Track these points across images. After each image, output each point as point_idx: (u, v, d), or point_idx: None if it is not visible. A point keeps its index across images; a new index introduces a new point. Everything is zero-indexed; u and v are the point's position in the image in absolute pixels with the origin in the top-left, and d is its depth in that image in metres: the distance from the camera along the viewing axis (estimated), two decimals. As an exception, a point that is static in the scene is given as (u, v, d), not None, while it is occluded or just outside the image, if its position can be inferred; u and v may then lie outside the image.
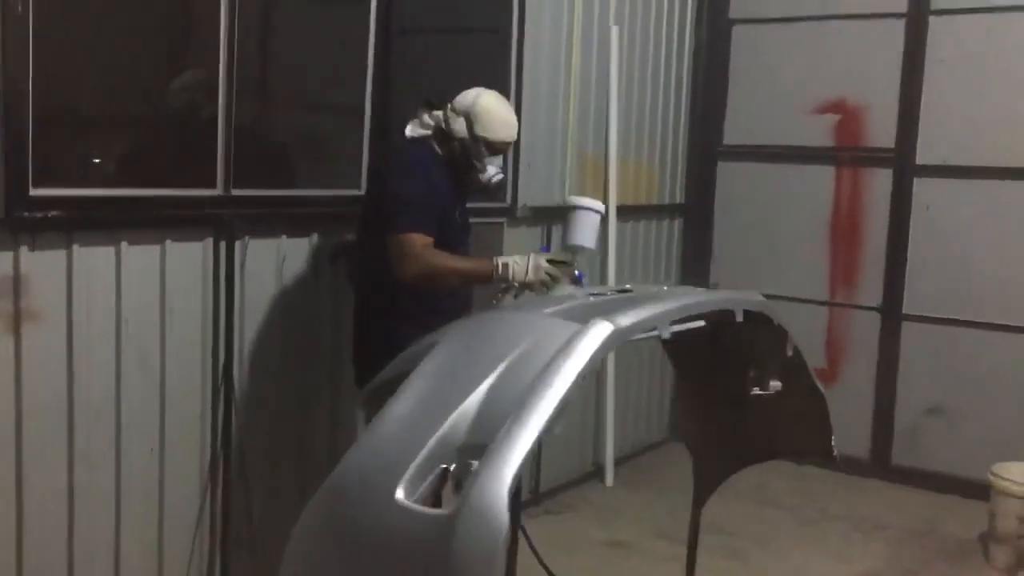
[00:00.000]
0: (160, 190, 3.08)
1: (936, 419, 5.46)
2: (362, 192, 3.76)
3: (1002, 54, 5.22)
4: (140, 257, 3.00)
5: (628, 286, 2.85)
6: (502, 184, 3.43)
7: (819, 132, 5.77)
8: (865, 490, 5.35)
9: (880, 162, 5.60)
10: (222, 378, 3.24)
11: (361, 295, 3.39)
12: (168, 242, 3.07)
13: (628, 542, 4.48)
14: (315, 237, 3.58)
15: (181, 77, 3.25)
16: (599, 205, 3.35)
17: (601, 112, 5.21)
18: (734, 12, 6.02)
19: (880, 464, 5.57)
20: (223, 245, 3.21)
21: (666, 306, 2.36)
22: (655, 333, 2.29)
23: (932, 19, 5.39)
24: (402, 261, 3.08)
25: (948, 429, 5.41)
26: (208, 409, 3.27)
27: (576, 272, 3.25)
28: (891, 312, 5.59)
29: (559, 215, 4.97)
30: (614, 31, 5.20)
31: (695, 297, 2.56)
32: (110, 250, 2.92)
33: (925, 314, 5.49)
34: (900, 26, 5.48)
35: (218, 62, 3.16)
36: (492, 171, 3.32)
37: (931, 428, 5.47)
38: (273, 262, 3.43)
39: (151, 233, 3.03)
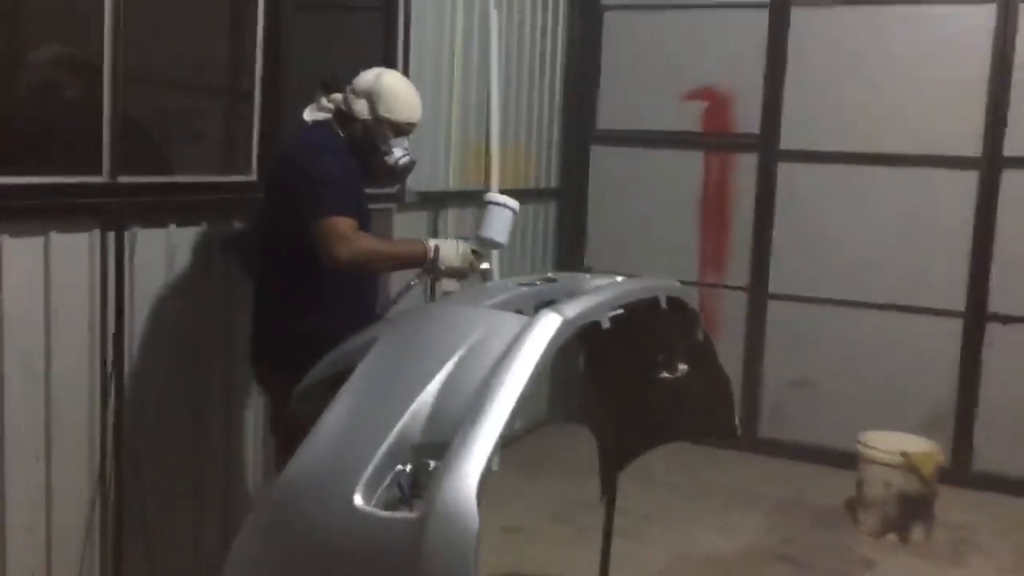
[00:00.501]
0: (41, 178, 2.83)
1: (800, 392, 5.74)
2: (253, 177, 3.61)
3: (860, 45, 5.50)
4: (22, 251, 2.76)
5: (551, 275, 2.83)
6: (410, 167, 3.26)
7: (689, 118, 5.93)
8: (736, 463, 5.56)
9: (746, 147, 5.81)
10: (111, 379, 3.03)
11: (265, 288, 3.21)
12: (52, 234, 2.84)
13: (524, 527, 4.49)
14: (205, 226, 3.39)
15: (40, 51, 2.99)
16: (514, 203, 3.27)
17: (482, 96, 5.18)
18: (606, -1, 6.11)
19: (749, 437, 5.80)
20: (111, 236, 2.99)
21: (605, 295, 2.37)
22: (594, 321, 2.29)
23: (794, 10, 5.62)
24: (333, 245, 2.87)
25: (811, 402, 5.70)
26: (97, 412, 3.04)
27: (485, 265, 3.22)
28: (757, 291, 5.83)
29: (446, 200, 4.97)
30: (494, 15, 5.17)
31: (626, 285, 2.57)
32: (-11, 244, 2.68)
33: (789, 293, 5.75)
34: (764, 16, 5.68)
35: (102, 39, 2.93)
36: (398, 153, 3.18)
37: (795, 401, 5.75)
38: (163, 253, 3.22)
39: (33, 224, 2.80)
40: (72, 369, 2.96)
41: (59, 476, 2.95)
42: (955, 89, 5.32)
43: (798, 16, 5.62)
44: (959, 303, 5.43)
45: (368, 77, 3.17)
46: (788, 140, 5.70)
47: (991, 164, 5.29)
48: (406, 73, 4.42)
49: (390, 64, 4.29)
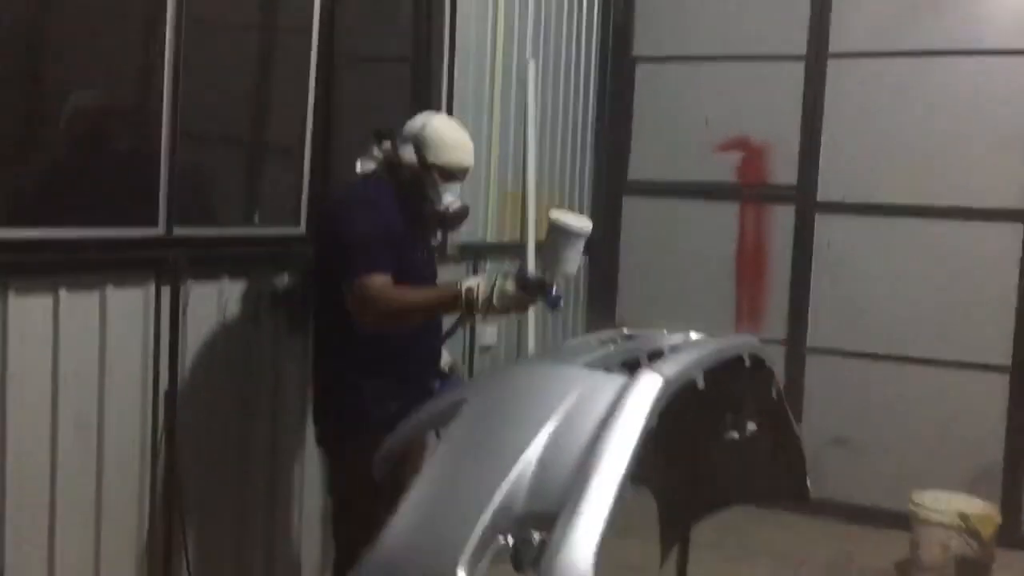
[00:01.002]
0: (98, 230, 2.74)
1: (842, 450, 5.60)
2: (302, 230, 3.54)
3: (898, 96, 5.46)
4: (78, 305, 2.66)
5: (626, 331, 2.73)
6: (461, 214, 3.11)
7: (723, 169, 5.87)
8: (780, 524, 5.40)
9: (783, 199, 5.74)
10: (162, 439, 2.92)
11: (319, 348, 3.14)
12: (109, 287, 2.74)
13: None
14: (255, 279, 3.30)
15: (97, 101, 2.90)
16: (584, 224, 2.92)
17: (518, 147, 5.11)
18: (637, 50, 6.07)
19: (789, 496, 5.65)
20: (165, 290, 2.90)
21: (696, 353, 2.27)
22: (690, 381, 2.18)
23: (830, 62, 5.59)
24: (362, 306, 2.83)
25: (854, 459, 5.55)
26: (147, 472, 2.93)
27: (553, 295, 2.91)
28: (795, 345, 5.72)
29: (483, 252, 4.88)
30: (531, 65, 5.12)
31: (713, 343, 2.48)
32: (48, 299, 2.58)
33: (828, 346, 5.64)
34: (800, 68, 5.65)
35: (162, 91, 2.87)
36: (448, 199, 3.05)
37: (837, 459, 5.61)
38: (215, 307, 3.13)
39: (90, 278, 2.70)
40: (125, 428, 2.85)
41: (108, 538, 2.82)
42: (996, 140, 5.27)
43: (835, 67, 5.58)
44: (1005, 357, 5.32)
45: (416, 123, 3.10)
46: (825, 191, 5.64)
47: (1035, 216, 5.22)
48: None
49: (434, 114, 4.26)
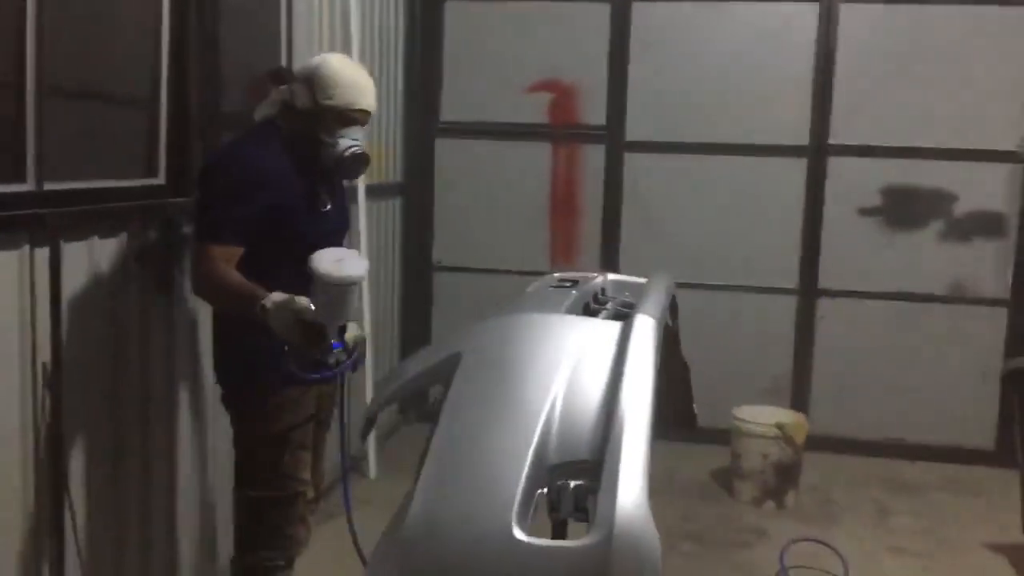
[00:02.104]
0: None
1: (653, 374, 5.96)
2: (161, 181, 3.25)
3: (697, 39, 5.78)
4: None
5: (557, 275, 2.76)
6: (361, 158, 2.86)
7: (534, 110, 5.98)
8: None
9: (592, 139, 5.94)
10: (49, 416, 2.62)
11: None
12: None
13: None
14: (124, 235, 3.00)
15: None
16: (360, 272, 2.58)
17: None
18: (445, -12, 6.01)
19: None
20: (40, 251, 2.57)
21: (657, 294, 2.34)
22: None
23: (635, 4, 5.80)
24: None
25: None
26: (30, 450, 2.62)
27: (341, 346, 2.64)
28: (608, 279, 5.98)
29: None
30: (353, 2, 4.93)
31: (659, 282, 2.54)
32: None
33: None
34: (606, 10, 5.83)
35: (24, 40, 2.52)
36: (344, 144, 2.82)
37: (649, 383, 5.97)
38: (87, 267, 2.81)
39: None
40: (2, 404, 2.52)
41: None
42: (785, 82, 5.72)
43: (639, 10, 5.81)
44: (793, 281, 5.87)
45: (311, 63, 2.89)
46: (633, 131, 5.89)
47: (818, 152, 5.75)
48: (289, 64, 4.15)
49: (275, 58, 4.02)
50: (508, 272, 5.93)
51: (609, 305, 2.38)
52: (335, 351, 2.61)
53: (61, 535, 2.69)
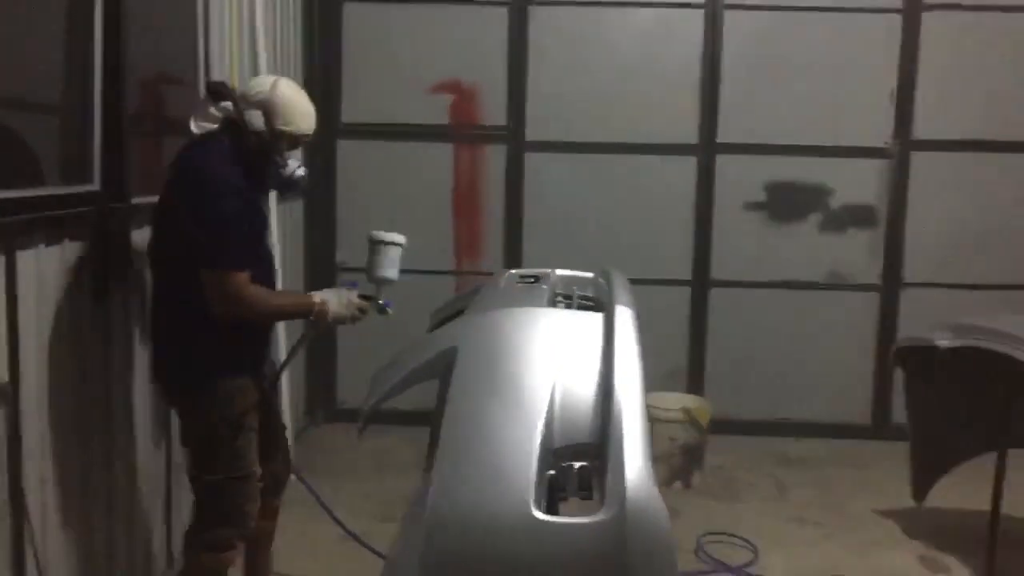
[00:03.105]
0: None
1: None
2: (96, 187, 3.20)
3: (591, 43, 6.00)
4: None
5: (515, 271, 2.90)
6: (305, 178, 3.26)
7: (436, 111, 6.07)
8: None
9: (494, 139, 6.09)
10: (6, 434, 2.57)
11: (161, 308, 3.09)
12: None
13: (362, 532, 4.40)
14: (65, 243, 2.95)
15: None
16: (400, 237, 3.32)
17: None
18: (343, -10, 6.03)
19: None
20: (-3, 262, 2.53)
21: (628, 288, 2.50)
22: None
23: (531, 9, 5.97)
24: (223, 302, 2.89)
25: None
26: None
27: (383, 302, 3.29)
28: (511, 275, 6.14)
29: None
30: (259, 1, 4.91)
31: (622, 277, 2.70)
32: None
33: (540, 275, 6.13)
34: (504, 13, 5.98)
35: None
36: (293, 165, 3.19)
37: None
38: (34, 277, 2.76)
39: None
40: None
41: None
42: (675, 84, 6.02)
43: (536, 13, 5.98)
44: (687, 272, 6.17)
45: (263, 87, 3.06)
46: (532, 131, 6.06)
47: (707, 150, 6.06)
48: (207, 69, 4.12)
49: (192, 61, 3.99)
50: (413, 272, 5.95)
51: (573, 299, 2.52)
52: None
53: (22, 558, 2.65)
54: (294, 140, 3.09)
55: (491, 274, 5.93)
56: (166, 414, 3.66)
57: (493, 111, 6.07)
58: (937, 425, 4.46)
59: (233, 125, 3.01)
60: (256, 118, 2.99)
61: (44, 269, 2.80)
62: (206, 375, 3.00)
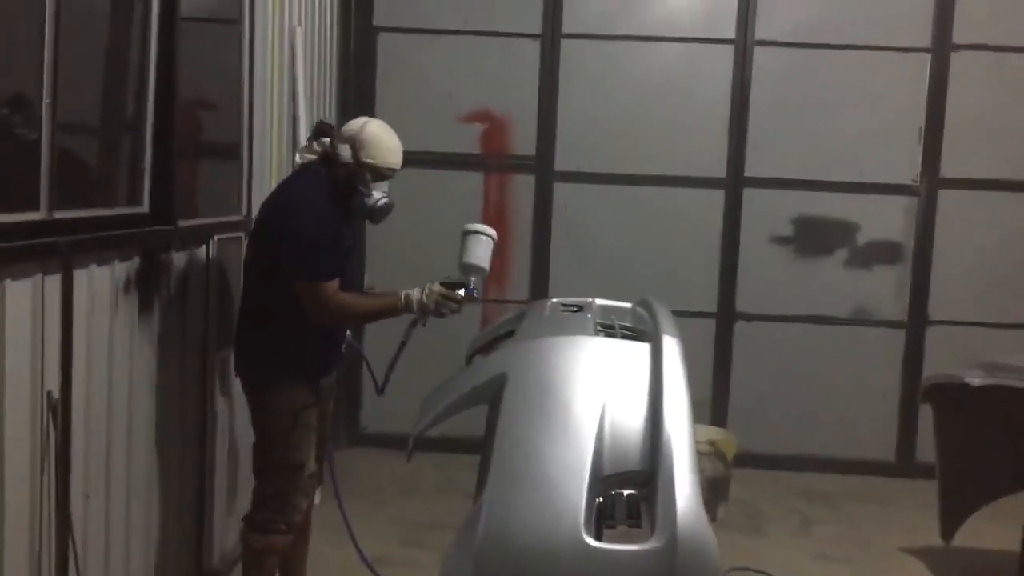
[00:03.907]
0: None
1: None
2: (145, 209, 3.28)
3: (622, 76, 6.08)
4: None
5: (555, 300, 2.95)
6: (388, 208, 3.46)
7: (467, 140, 6.15)
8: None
9: (523, 169, 6.16)
10: (55, 464, 2.62)
11: (253, 307, 3.42)
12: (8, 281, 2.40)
13: (385, 557, 4.41)
14: (116, 264, 3.01)
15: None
16: (492, 231, 3.51)
17: (283, 116, 4.98)
18: (378, 20, 6.12)
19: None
20: (51, 280, 2.58)
21: (673, 319, 2.54)
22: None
23: (564, 41, 6.06)
24: (317, 309, 3.24)
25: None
26: (36, 486, 2.61)
27: (471, 289, 3.45)
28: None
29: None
30: (298, 32, 5.00)
31: (665, 308, 2.74)
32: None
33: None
34: (536, 46, 6.07)
35: (42, 73, 2.54)
36: (377, 196, 3.40)
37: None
38: (86, 296, 2.82)
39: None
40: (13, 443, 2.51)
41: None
42: (704, 118, 6.09)
43: (568, 47, 6.06)
44: (711, 304, 6.20)
45: (355, 125, 3.40)
46: (562, 161, 6.13)
47: (735, 183, 6.11)
48: (251, 89, 4.22)
49: (237, 82, 4.08)
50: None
51: (615, 328, 2.56)
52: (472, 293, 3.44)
53: (66, 568, 2.69)
54: (378, 172, 3.38)
55: (521, 302, 6.07)
56: (205, 425, 3.81)
57: (523, 141, 6.14)
58: (966, 463, 4.45)
59: (328, 159, 3.35)
60: (345, 151, 3.31)
61: (96, 288, 2.86)
62: (275, 371, 3.34)
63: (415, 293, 3.35)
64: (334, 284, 3.25)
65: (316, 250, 3.21)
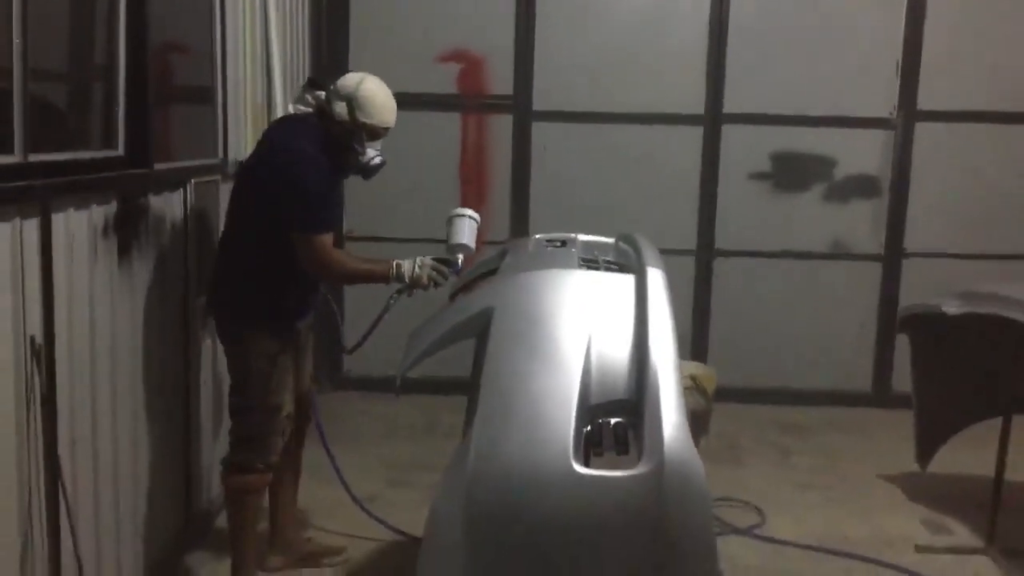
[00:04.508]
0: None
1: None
2: (120, 152, 3.24)
3: (603, 13, 6.02)
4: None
5: (538, 236, 2.95)
6: (380, 166, 3.49)
7: (444, 80, 6.09)
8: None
9: (501, 109, 6.11)
10: (40, 409, 2.62)
11: (234, 251, 3.42)
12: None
13: (375, 496, 4.46)
14: (93, 208, 2.98)
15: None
16: (476, 214, 3.63)
17: (256, 61, 4.90)
18: (349, -41, 6.01)
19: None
20: (32, 224, 2.56)
21: (657, 252, 2.55)
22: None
23: (540, -23, 5.98)
24: (312, 262, 3.27)
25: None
26: (23, 441, 2.61)
27: (457, 267, 3.51)
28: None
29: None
30: (269, -22, 4.90)
31: (648, 241, 2.75)
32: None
33: (546, 244, 6.18)
34: (512, -20, 5.99)
35: (11, 13, 2.49)
36: (371, 154, 3.43)
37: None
38: (64, 241, 2.79)
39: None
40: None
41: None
42: (681, 54, 6.05)
43: (544, -17, 5.99)
44: (691, 242, 6.22)
45: (351, 82, 3.39)
46: (540, 101, 6.09)
47: (713, 120, 6.09)
48: (223, 43, 4.15)
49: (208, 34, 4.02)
50: (420, 240, 6.01)
51: (599, 262, 2.57)
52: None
53: (56, 512, 2.70)
54: (374, 131, 3.39)
55: (501, 243, 6.06)
56: (188, 368, 3.82)
57: (500, 81, 6.09)
58: (942, 391, 4.53)
59: (323, 113, 3.35)
60: (341, 108, 3.32)
61: (74, 231, 2.83)
62: (254, 315, 3.37)
63: (406, 264, 3.36)
64: (330, 238, 3.29)
65: (317, 203, 3.23)
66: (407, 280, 3.35)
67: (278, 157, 3.31)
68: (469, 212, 3.60)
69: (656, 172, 6.15)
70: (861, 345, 6.29)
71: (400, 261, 3.38)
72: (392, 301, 3.48)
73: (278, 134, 3.47)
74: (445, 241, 3.57)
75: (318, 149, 3.30)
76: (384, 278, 3.38)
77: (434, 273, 3.37)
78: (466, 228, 3.53)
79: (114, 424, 3.16)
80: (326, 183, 3.29)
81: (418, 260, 3.38)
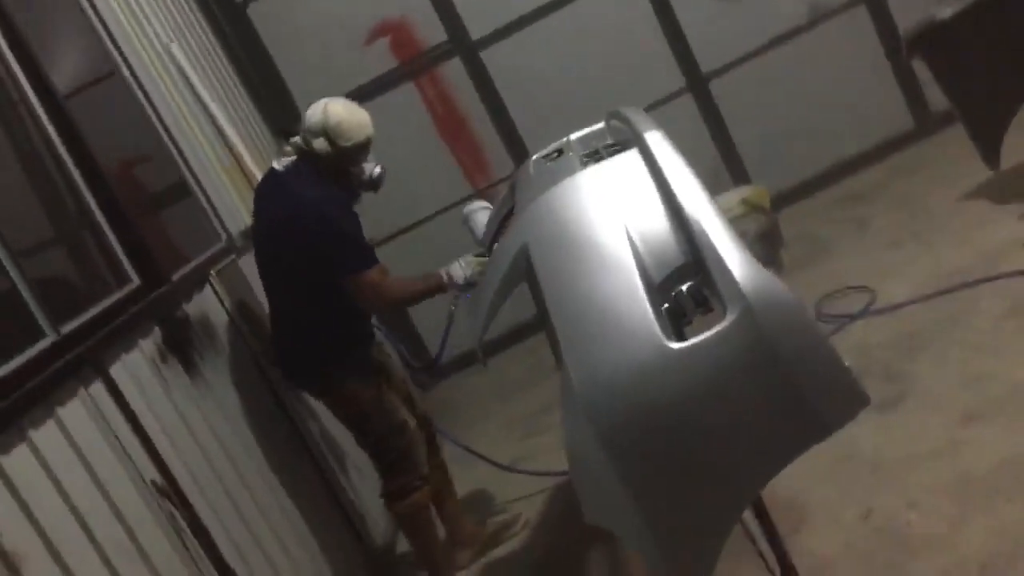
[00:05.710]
0: None
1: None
2: (136, 283, 3.30)
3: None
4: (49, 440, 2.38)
5: (553, 147, 2.96)
6: (384, 175, 3.49)
7: (381, 58, 6.04)
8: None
9: (445, 56, 6.05)
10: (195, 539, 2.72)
11: (288, 316, 3.51)
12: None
13: (513, 457, 4.54)
14: (139, 341, 3.06)
15: None
16: (486, 203, 3.64)
17: (206, 121, 4.90)
18: (239, -4, 5.96)
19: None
20: (97, 387, 2.64)
21: (641, 113, 2.52)
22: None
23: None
24: (370, 300, 3.34)
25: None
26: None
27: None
28: (526, 169, 6.14)
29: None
30: (174, 48, 4.88)
31: (631, 107, 2.72)
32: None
33: (551, 154, 6.12)
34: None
35: None
36: (369, 167, 3.45)
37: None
38: (150, 373, 2.88)
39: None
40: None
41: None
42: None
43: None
44: (680, 81, 6.11)
45: (316, 116, 3.35)
46: (476, 30, 5.99)
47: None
48: (169, 132, 4.16)
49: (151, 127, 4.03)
50: (435, 215, 6.09)
51: (601, 152, 2.55)
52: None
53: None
54: (360, 149, 3.39)
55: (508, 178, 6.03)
56: (299, 434, 3.91)
57: (431, 32, 6.01)
58: (979, 87, 4.39)
59: (306, 155, 3.37)
60: (322, 144, 3.32)
61: (136, 373, 2.91)
62: (331, 362, 3.45)
63: (455, 268, 3.35)
64: (382, 267, 3.33)
65: (355, 241, 3.28)
66: (461, 283, 3.34)
67: (301, 214, 3.29)
68: (481, 203, 3.64)
69: (614, 33, 6.02)
70: (884, 88, 6.13)
71: (447, 268, 3.36)
72: (454, 307, 3.53)
73: (285, 192, 3.40)
74: (472, 239, 3.56)
75: (328, 189, 3.33)
76: (440, 288, 3.39)
77: (481, 268, 3.31)
78: (485, 219, 3.50)
79: (266, 519, 3.25)
80: (353, 217, 3.34)
81: (461, 261, 3.36)
